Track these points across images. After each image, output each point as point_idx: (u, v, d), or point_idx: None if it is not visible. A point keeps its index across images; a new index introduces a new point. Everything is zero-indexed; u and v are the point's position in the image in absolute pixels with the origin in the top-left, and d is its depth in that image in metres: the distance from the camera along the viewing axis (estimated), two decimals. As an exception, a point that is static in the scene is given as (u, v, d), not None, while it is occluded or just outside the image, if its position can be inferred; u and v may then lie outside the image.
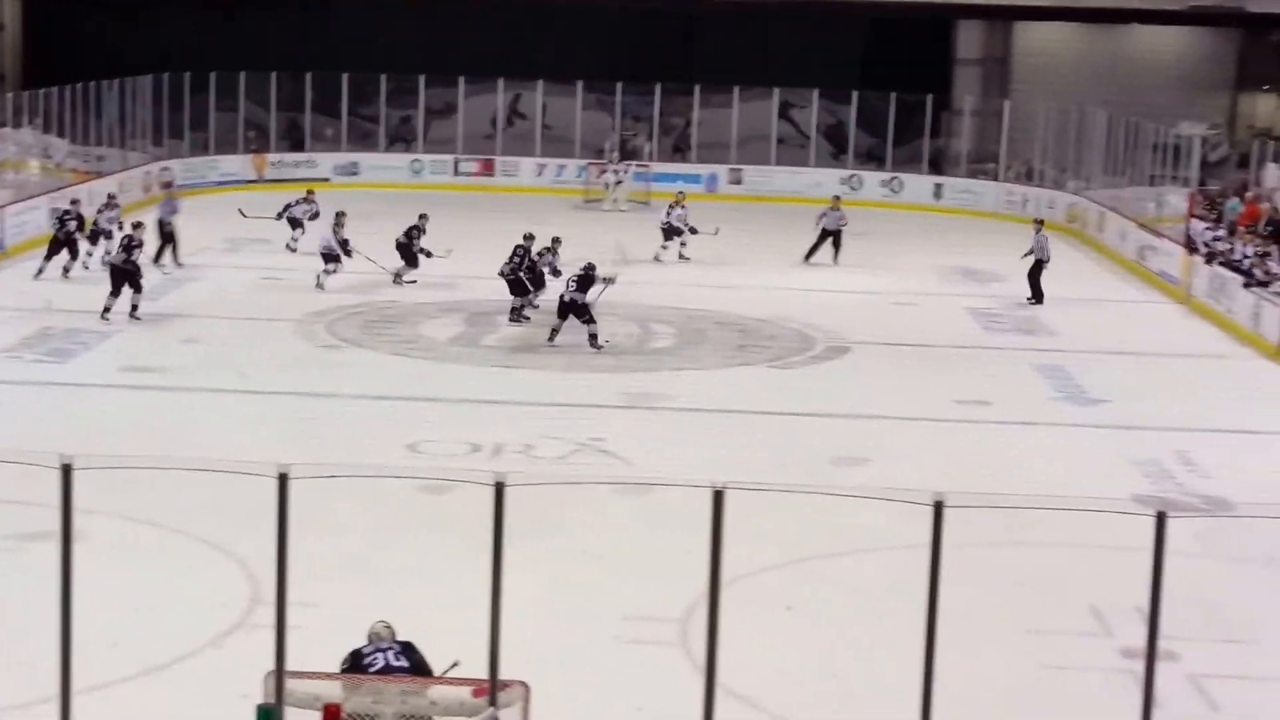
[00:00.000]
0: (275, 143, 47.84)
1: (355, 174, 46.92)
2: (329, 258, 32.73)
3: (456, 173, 47.81)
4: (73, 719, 10.71)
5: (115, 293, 28.60)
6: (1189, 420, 24.28)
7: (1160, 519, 10.83)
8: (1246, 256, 32.73)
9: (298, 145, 48.19)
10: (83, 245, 32.74)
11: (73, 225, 32.69)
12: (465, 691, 11.55)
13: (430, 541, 16.54)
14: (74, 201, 34.14)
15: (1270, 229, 33.92)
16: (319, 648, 11.74)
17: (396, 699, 11.65)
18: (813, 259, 37.40)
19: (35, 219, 36.58)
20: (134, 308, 28.63)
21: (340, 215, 33.16)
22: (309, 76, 47.19)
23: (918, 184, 46.89)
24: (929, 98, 48.46)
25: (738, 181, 46.81)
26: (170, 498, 17.11)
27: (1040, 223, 36.66)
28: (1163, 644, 11.19)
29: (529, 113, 49.19)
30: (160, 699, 13.22)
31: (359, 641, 12.11)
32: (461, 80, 48.43)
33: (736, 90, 48.79)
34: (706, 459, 19.99)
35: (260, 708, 10.97)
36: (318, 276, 32.17)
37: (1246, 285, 31.47)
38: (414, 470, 18.89)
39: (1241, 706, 14.25)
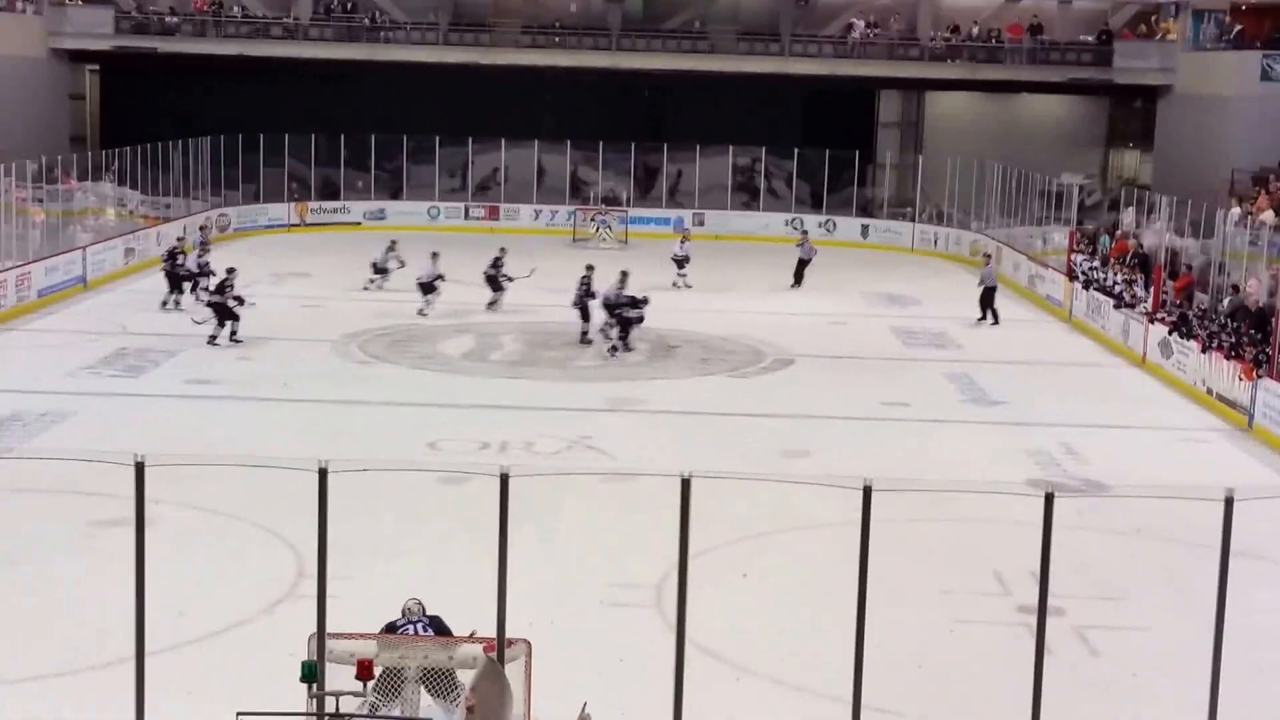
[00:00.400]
0: (315, 192, 47.73)
1: (382, 218, 46.82)
2: (427, 289, 32.59)
3: (467, 217, 47.70)
4: (146, 677, 10.62)
5: (220, 323, 28.63)
6: (1071, 417, 24.31)
7: (1049, 499, 10.79)
8: (1116, 283, 32.82)
9: (333, 195, 48.08)
10: (189, 283, 32.57)
11: (181, 260, 32.66)
12: (478, 648, 11.47)
13: (447, 524, 16.46)
14: (179, 239, 34.32)
15: (1135, 260, 33.99)
16: (354, 614, 11.67)
17: (419, 655, 11.57)
18: (798, 284, 37.84)
19: (112, 257, 36.53)
20: (233, 333, 28.65)
21: (394, 243, 34.83)
22: (343, 137, 47.09)
23: (848, 225, 46.91)
24: (856, 154, 48.53)
25: (700, 223, 46.72)
26: (227, 490, 17.02)
27: (989, 256, 36.82)
28: (1052, 602, 11.15)
29: (523, 167, 49.09)
30: (220, 658, 13.15)
31: (390, 608, 12.00)
32: (470, 140, 48.41)
33: (698, 148, 48.82)
34: (676, 453, 19.91)
35: (305, 663, 10.88)
36: (420, 308, 32.31)
37: (1116, 306, 31.55)
38: (433, 465, 18.83)
39: (1117, 651, 14.25)
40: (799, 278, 38.01)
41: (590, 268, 30.48)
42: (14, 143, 39.47)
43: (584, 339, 29.47)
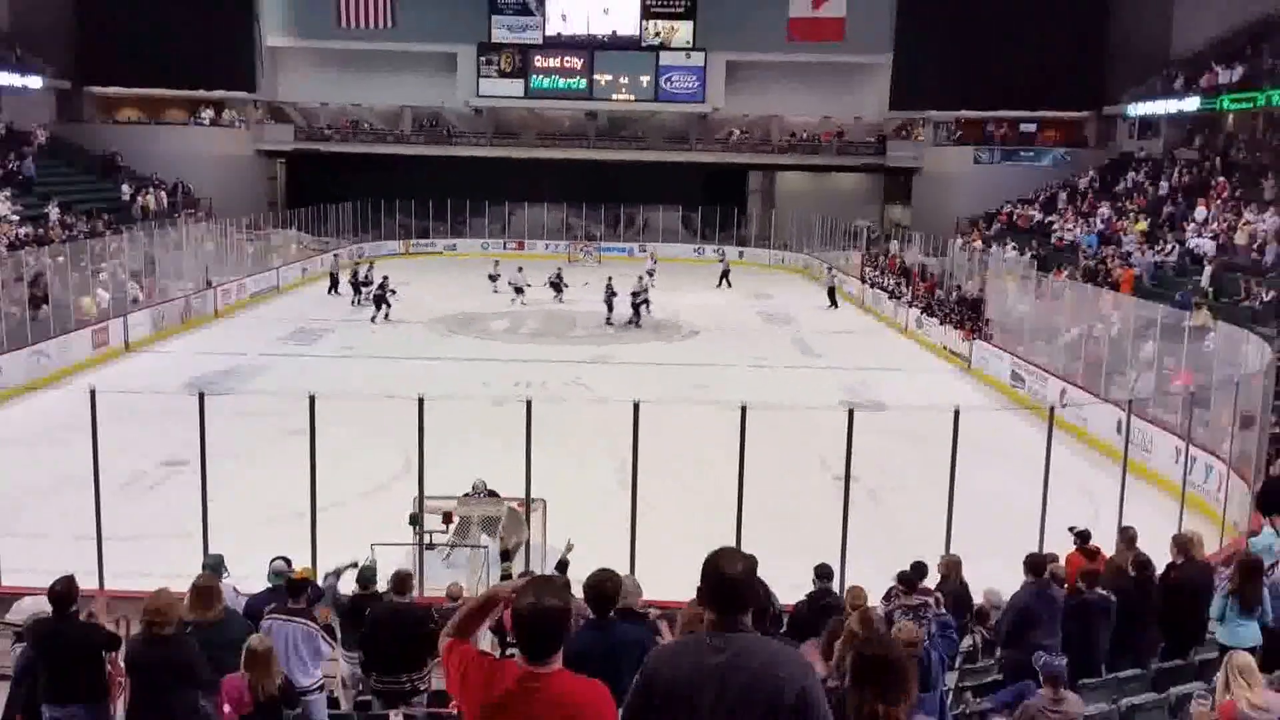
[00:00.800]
0: (414, 233, 47.41)
1: (455, 250, 46.60)
2: (519, 290, 32.66)
3: (505, 249, 47.45)
4: (318, 524, 10.53)
5: (377, 309, 29.13)
6: (863, 364, 24.43)
7: (850, 412, 10.81)
8: (889, 285, 32.98)
9: (425, 235, 47.76)
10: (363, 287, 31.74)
11: (362, 274, 32.35)
12: (515, 503, 11.43)
13: (494, 432, 16.36)
14: (356, 262, 34.58)
15: (900, 270, 34.22)
16: (441, 484, 11.60)
17: (479, 508, 11.55)
18: (721, 285, 37.57)
19: (293, 273, 36.33)
20: (386, 315, 28.93)
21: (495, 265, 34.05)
22: (430, 201, 46.82)
23: (731, 251, 46.85)
24: (736, 209, 48.49)
25: (644, 249, 46.52)
26: (365, 414, 16.93)
27: (832, 269, 36.76)
28: (854, 472, 11.20)
29: (537, 217, 48.90)
30: (361, 512, 13.09)
31: (461, 482, 11.94)
32: (506, 203, 48.14)
33: (641, 206, 48.63)
34: (630, 386, 19.84)
35: (411, 514, 10.80)
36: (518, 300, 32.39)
37: (889, 298, 31.68)
38: (486, 395, 18.76)
39: (891, 503, 14.34)
40: (724, 280, 37.97)
41: (610, 278, 30.38)
42: (233, 207, 39.15)
43: (608, 322, 29.18)
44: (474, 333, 27.92)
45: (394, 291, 29.99)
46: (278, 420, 16.15)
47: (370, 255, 42.76)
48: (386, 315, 29.05)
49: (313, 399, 10.48)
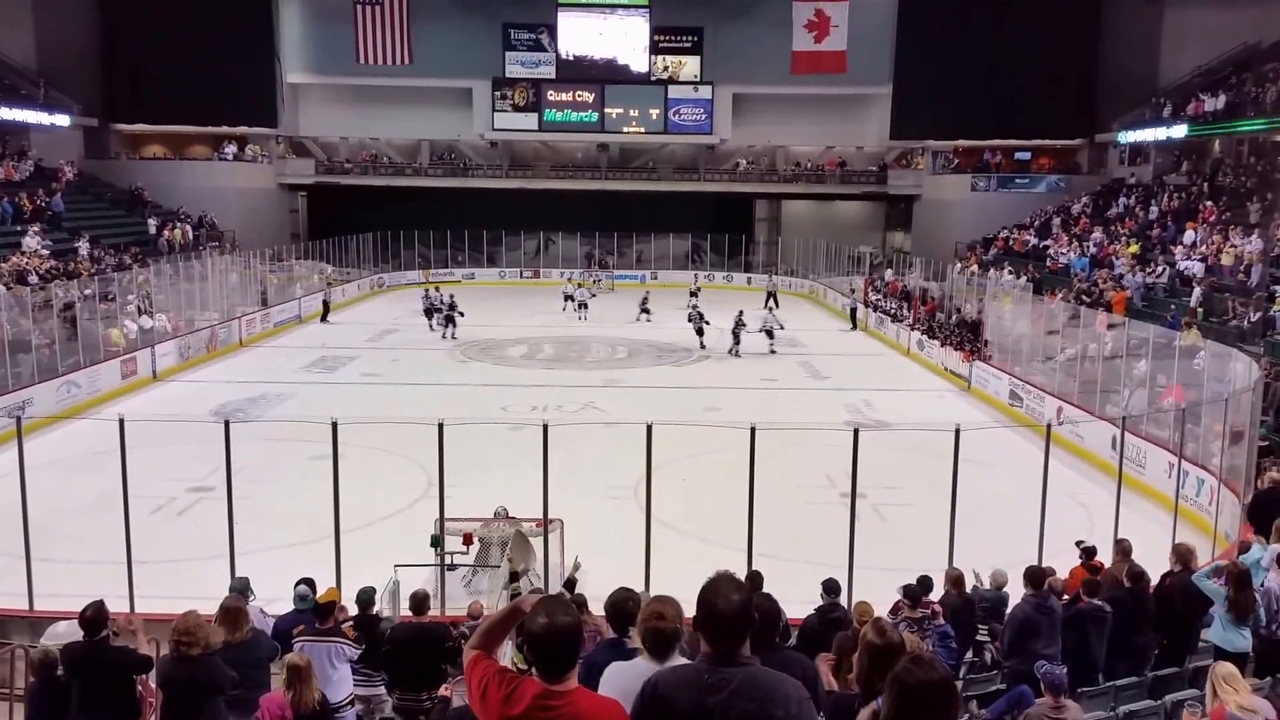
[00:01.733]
0: (433, 263, 47.59)
1: (473, 278, 46.75)
2: (583, 306, 35.06)
3: (521, 277, 47.64)
4: (342, 545, 10.57)
5: (447, 327, 30.55)
6: (868, 385, 24.39)
7: (855, 432, 10.84)
8: (891, 308, 32.99)
9: (444, 264, 47.95)
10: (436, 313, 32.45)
11: (435, 300, 32.91)
12: (532, 524, 11.45)
13: (512, 454, 16.39)
14: (430, 290, 34.16)
15: (902, 294, 34.25)
16: (461, 507, 11.63)
17: (498, 529, 11.57)
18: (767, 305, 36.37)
19: (315, 303, 36.22)
20: (453, 335, 30.19)
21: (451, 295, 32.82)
22: (448, 231, 47.00)
23: (740, 277, 46.91)
24: (744, 236, 48.60)
25: (655, 276, 46.76)
26: (387, 437, 16.96)
27: (854, 291, 37.86)
28: (860, 489, 11.20)
29: (554, 246, 49.04)
30: (384, 535, 13.12)
31: (482, 505, 11.97)
32: (521, 233, 48.35)
33: (652, 235, 48.83)
34: (643, 410, 19.85)
35: (433, 536, 10.82)
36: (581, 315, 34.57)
37: (893, 321, 31.69)
38: (504, 420, 18.81)
39: (897, 519, 14.31)
40: (770, 300, 36.76)
41: (741, 311, 29.64)
42: (256, 239, 39.38)
43: (701, 348, 29.00)
44: (492, 359, 27.99)
45: (461, 313, 31.18)
46: (302, 446, 16.19)
47: (435, 278, 42.90)
48: (454, 334, 30.42)
49: (335, 425, 10.54)
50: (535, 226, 48.23)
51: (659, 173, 48.91)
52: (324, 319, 34.86)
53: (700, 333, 29.30)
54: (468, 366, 26.93)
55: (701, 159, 48.90)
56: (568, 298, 36.89)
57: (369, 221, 46.16)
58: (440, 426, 10.61)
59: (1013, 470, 15.47)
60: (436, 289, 34.90)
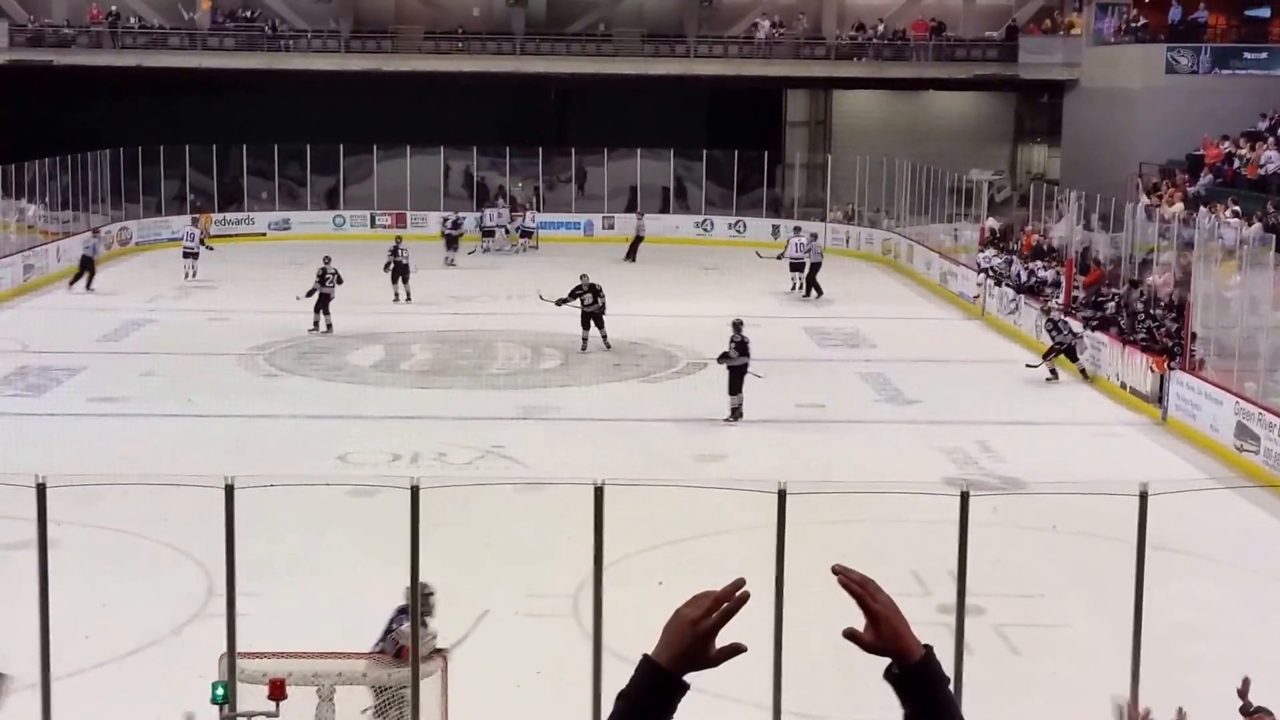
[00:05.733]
0: (218, 204, 47.31)
1: (287, 228, 46.43)
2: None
3: (373, 225, 47.34)
4: (53, 703, 10.49)
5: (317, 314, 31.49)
6: (986, 415, 24.52)
7: (964, 497, 10.90)
8: (1023, 277, 33.25)
9: (237, 206, 47.72)
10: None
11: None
12: (392, 663, 11.44)
13: (358, 537, 16.37)
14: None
15: (1043, 254, 34.52)
16: (266, 632, 11.58)
17: (333, 672, 11.51)
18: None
19: (11, 273, 35.93)
20: (329, 327, 31.22)
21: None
22: (245, 147, 46.71)
23: (758, 225, 46.96)
24: (765, 154, 48.73)
25: (610, 226, 46.73)
26: (133, 509, 16.84)
27: (798, 229, 38.96)
28: (970, 600, 11.26)
29: (429, 174, 48.86)
30: (129, 682, 13.03)
31: (301, 624, 11.91)
32: (375, 147, 48.17)
33: (605, 151, 48.79)
34: (589, 460, 19.89)
35: (216, 685, 10.80)
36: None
37: (1030, 300, 31.85)
38: (343, 478, 18.72)
39: (1036, 649, 14.39)
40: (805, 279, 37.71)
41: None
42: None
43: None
44: (320, 370, 27.83)
45: (336, 277, 31.58)
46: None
47: (223, 229, 42.64)
48: (329, 325, 31.17)
49: (42, 488, 10.44)
50: (398, 139, 48.15)
51: (616, 44, 48.97)
52: (80, 284, 35.86)
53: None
54: (277, 384, 26.74)
55: (691, 19, 49.02)
56: (451, 241, 38.31)
57: (104, 130, 45.84)
58: (229, 490, 10.54)
59: (1242, 562, 15.58)
60: (399, 242, 35.92)
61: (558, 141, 48.98)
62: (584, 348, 29.21)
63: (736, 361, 24.31)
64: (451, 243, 41.41)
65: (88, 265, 36.76)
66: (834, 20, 49.42)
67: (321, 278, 31.72)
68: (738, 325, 24.71)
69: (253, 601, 11.15)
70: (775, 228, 46.85)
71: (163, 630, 14.39)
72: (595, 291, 29.30)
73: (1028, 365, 27.79)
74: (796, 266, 37.57)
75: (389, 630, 11.68)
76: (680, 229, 46.65)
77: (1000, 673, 13.30)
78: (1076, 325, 28.37)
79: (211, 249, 38.74)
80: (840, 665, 13.18)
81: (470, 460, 21.14)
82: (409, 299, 34.83)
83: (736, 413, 23.79)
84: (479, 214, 45.02)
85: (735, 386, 24.02)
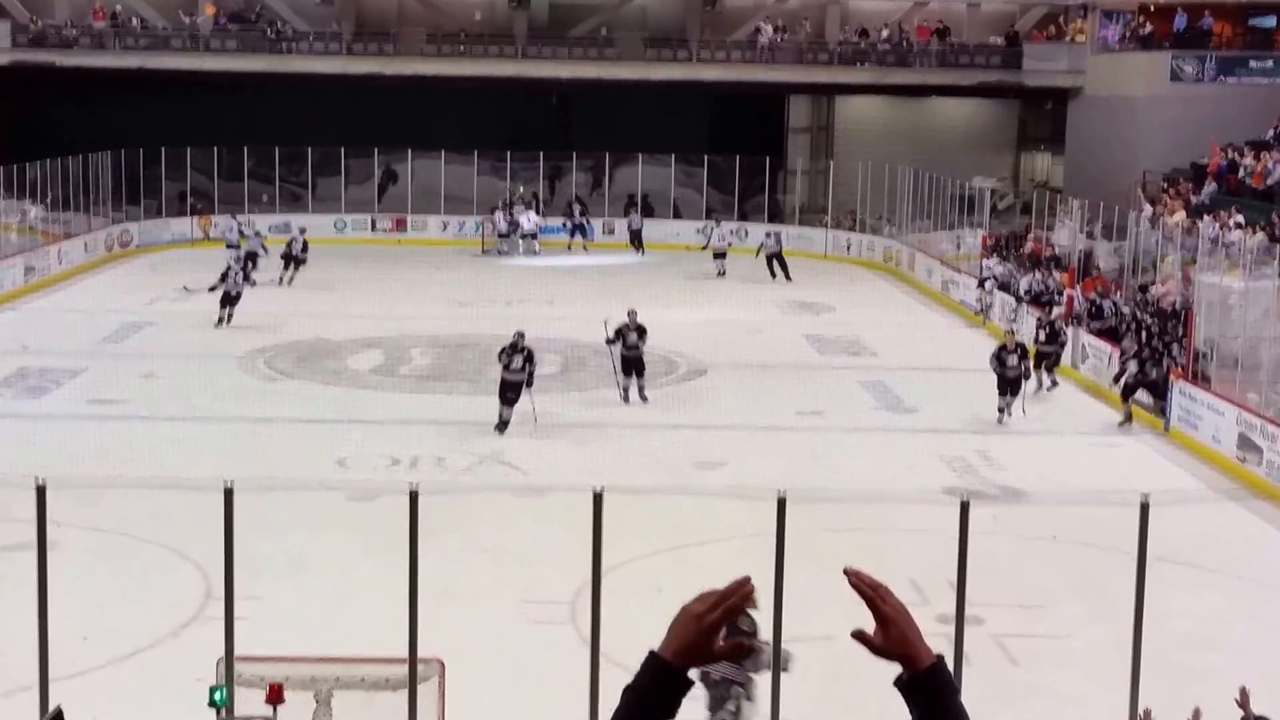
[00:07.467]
0: (218, 206, 47.28)
1: (287, 231, 46.35)
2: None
3: (374, 229, 47.43)
4: (51, 703, 10.52)
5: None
6: (987, 423, 24.53)
7: (964, 506, 10.92)
8: (1029, 289, 33.23)
9: (237, 209, 47.71)
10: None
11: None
12: (390, 669, 11.45)
13: (357, 542, 16.40)
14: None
15: (1045, 262, 34.54)
16: (264, 635, 11.61)
17: (331, 676, 11.52)
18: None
19: (11, 275, 35.98)
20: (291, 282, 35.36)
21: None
22: (245, 150, 46.72)
23: (760, 231, 47.02)
24: (767, 160, 48.73)
25: (611, 231, 46.80)
26: (132, 512, 16.91)
27: (718, 221, 42.80)
28: (970, 610, 11.29)
29: (430, 178, 48.83)
30: (126, 684, 13.04)
31: (299, 626, 11.94)
32: (376, 151, 48.21)
33: (607, 156, 48.82)
34: (588, 466, 19.88)
35: (214, 689, 10.83)
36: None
37: (1031, 310, 31.84)
38: (342, 482, 18.76)
39: (1036, 659, 14.40)
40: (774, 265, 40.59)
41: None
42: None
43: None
44: (322, 374, 27.86)
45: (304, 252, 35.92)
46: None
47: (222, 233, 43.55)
48: (291, 280, 35.47)
49: (42, 489, 10.48)
50: (400, 143, 48.17)
51: (618, 47, 49.01)
52: (287, 276, 37.89)
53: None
54: (278, 388, 26.78)
55: (694, 22, 49.06)
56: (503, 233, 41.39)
57: (106, 132, 45.82)
58: (228, 493, 10.57)
59: (1243, 574, 15.59)
60: (303, 232, 39.18)
61: (557, 148, 48.96)
62: (625, 398, 25.81)
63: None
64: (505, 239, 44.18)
65: (290, 260, 38.14)
66: (837, 25, 49.46)
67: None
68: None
69: (251, 605, 11.18)
70: (777, 234, 46.92)
71: (161, 633, 14.41)
72: (640, 331, 26.18)
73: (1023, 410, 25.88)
74: (719, 255, 40.86)
75: None
76: (681, 235, 46.64)
77: (999, 684, 13.31)
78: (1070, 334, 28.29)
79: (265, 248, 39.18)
80: (839, 672, 13.24)
81: (469, 465, 21.18)
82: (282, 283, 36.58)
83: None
84: (507, 216, 45.39)
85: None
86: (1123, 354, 26.26)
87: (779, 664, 10.83)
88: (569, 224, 46.17)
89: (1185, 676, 12.74)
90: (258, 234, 39.78)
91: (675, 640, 3.44)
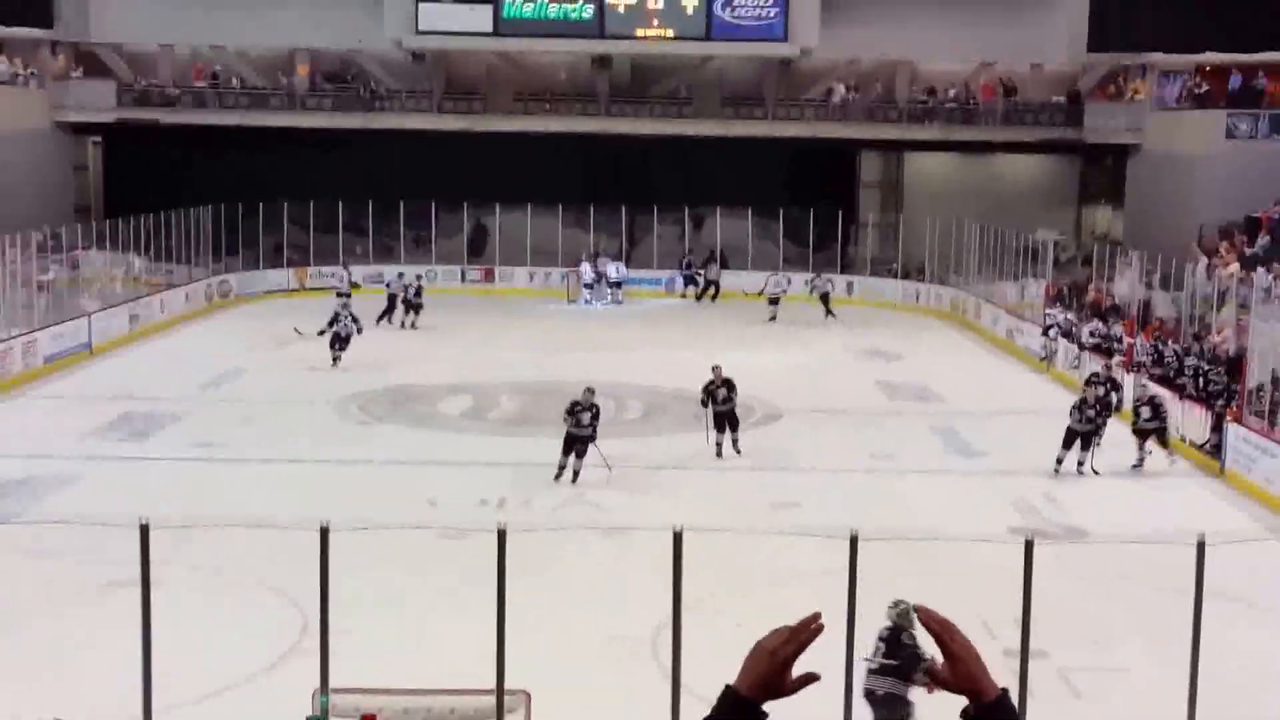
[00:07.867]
0: (313, 258, 47.71)
1: (381, 281, 46.82)
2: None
3: (463, 280, 47.81)
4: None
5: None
6: (1051, 466, 24.36)
7: (1029, 546, 10.88)
8: (1093, 338, 33.08)
9: (332, 260, 48.12)
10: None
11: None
12: (479, 700, 11.50)
13: (447, 579, 16.48)
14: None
15: (1106, 311, 34.40)
16: (358, 668, 11.68)
17: (423, 708, 11.58)
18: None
19: (117, 323, 36.49)
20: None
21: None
22: (340, 203, 47.16)
23: (834, 281, 47.03)
24: (840, 213, 48.72)
25: (692, 281, 46.94)
26: (232, 551, 17.04)
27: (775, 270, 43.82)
28: (1035, 645, 11.22)
29: (516, 230, 49.08)
30: (226, 716, 13.13)
31: (392, 661, 12.00)
32: (465, 205, 48.56)
33: (686, 210, 48.97)
34: (669, 507, 19.88)
35: (309, 718, 10.90)
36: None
37: (1081, 349, 31.76)
38: (433, 521, 18.84)
39: (1097, 692, 14.31)
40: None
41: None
42: (19, 214, 39.52)
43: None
44: (412, 418, 28.02)
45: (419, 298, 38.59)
46: (88, 566, 16.22)
47: (317, 283, 44.29)
48: (403, 323, 37.91)
49: (145, 529, 10.60)
50: (488, 197, 48.47)
51: (697, 106, 49.20)
52: (385, 320, 38.82)
53: None
54: (371, 431, 26.95)
55: (770, 83, 49.18)
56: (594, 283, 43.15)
57: (207, 186, 46.40)
58: (324, 533, 10.66)
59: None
60: (418, 279, 40.92)
61: (637, 201, 49.10)
62: (719, 453, 25.04)
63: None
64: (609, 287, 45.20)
65: (394, 303, 39.49)
66: (906, 84, 49.50)
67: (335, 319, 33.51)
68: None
69: (345, 639, 11.26)
70: (850, 284, 46.91)
71: (260, 666, 14.52)
72: (729, 386, 25.49)
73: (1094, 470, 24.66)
74: (774, 300, 41.71)
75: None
76: (757, 284, 46.65)
77: (1063, 717, 13.21)
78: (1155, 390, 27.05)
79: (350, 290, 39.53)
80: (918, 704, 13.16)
81: (555, 506, 21.23)
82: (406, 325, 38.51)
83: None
84: (594, 267, 45.93)
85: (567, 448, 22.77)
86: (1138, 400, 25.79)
87: (850, 699, 10.79)
88: (682, 276, 47.63)
89: (1242, 710, 12.60)
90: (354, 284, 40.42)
91: (750, 675, 3.48)
